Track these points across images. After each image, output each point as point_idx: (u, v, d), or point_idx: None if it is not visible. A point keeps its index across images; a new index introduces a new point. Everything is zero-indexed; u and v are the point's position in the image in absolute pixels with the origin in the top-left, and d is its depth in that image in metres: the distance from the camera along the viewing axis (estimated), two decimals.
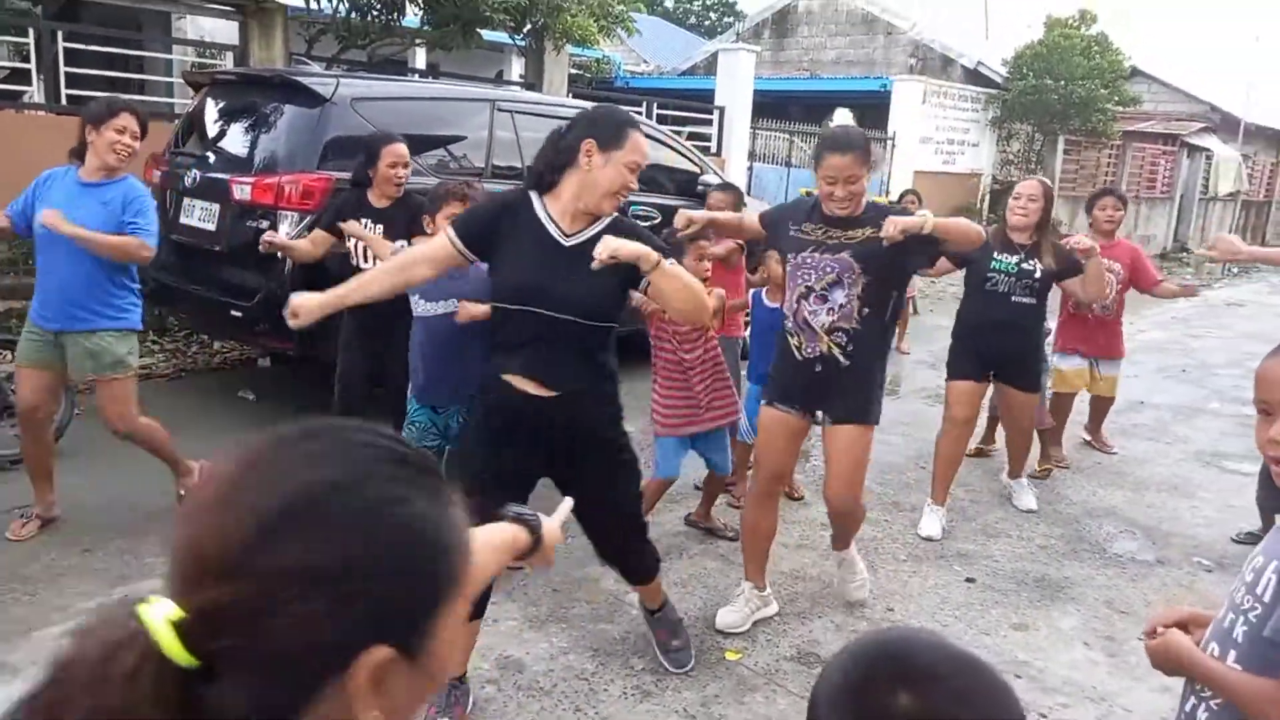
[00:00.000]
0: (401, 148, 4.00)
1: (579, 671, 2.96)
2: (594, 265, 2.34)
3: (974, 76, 17.34)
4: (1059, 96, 15.39)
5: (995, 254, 4.17)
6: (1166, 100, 20.76)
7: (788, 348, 3.14)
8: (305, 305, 2.41)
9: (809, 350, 3.07)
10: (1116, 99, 16.17)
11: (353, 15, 8.42)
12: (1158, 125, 19.10)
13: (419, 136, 5.19)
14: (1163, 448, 5.86)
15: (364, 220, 4.00)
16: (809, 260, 3.04)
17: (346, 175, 4.28)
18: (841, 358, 3.03)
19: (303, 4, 8.01)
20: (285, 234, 4.41)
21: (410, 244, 4.05)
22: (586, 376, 2.54)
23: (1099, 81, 15.64)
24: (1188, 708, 1.56)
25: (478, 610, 2.63)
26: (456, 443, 3.41)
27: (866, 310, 3.00)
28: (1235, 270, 17.08)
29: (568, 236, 2.48)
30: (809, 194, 3.27)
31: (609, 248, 2.34)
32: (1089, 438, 5.71)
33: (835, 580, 3.62)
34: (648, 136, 6.47)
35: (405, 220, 4.03)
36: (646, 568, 2.92)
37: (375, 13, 8.46)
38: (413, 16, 8.99)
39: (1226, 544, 4.32)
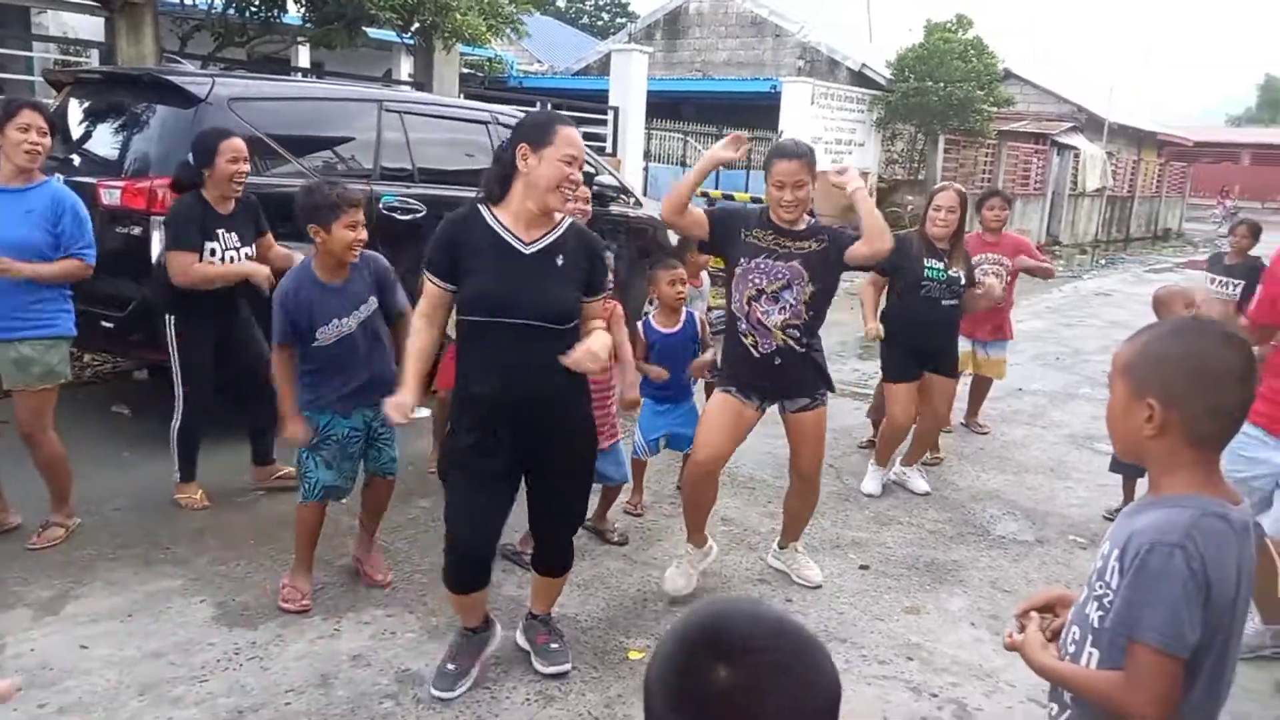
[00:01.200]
0: (240, 142, 3.88)
1: (480, 680, 2.92)
2: (566, 363, 2.52)
3: (859, 78, 17.88)
4: (939, 98, 16.01)
5: (925, 261, 4.56)
6: (1037, 101, 21.93)
7: (743, 347, 3.34)
8: (408, 400, 2.58)
9: (765, 346, 3.31)
10: (992, 100, 16.93)
11: (229, 11, 8.11)
12: (1030, 125, 20.11)
13: (303, 138, 5.04)
14: (1039, 432, 6.17)
15: (219, 231, 3.89)
16: (762, 265, 3.28)
17: None
18: (796, 346, 3.31)
19: None
20: (157, 240, 4.21)
21: (255, 251, 4.01)
22: (564, 374, 2.65)
23: (975, 84, 16.35)
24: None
25: (475, 582, 2.78)
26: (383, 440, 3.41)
27: (811, 314, 3.31)
28: (1103, 262, 18.11)
29: (527, 245, 2.61)
30: (755, 200, 3.44)
31: (576, 363, 2.52)
32: (965, 420, 6.01)
33: (791, 571, 3.78)
34: None
35: (253, 223, 4.03)
36: (571, 553, 3.01)
37: (254, 9, 8.17)
38: (294, 13, 8.71)
39: (1099, 522, 4.57)
